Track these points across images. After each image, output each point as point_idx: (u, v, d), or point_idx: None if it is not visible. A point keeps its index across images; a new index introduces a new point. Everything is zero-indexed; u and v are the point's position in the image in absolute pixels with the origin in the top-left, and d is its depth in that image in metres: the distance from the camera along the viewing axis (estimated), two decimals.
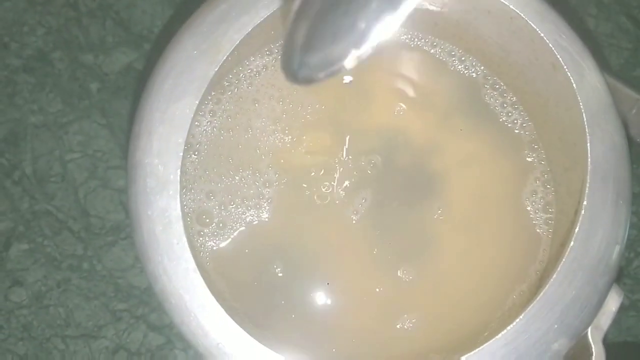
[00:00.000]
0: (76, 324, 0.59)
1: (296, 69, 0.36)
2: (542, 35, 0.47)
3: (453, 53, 0.55)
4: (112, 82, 0.63)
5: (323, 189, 0.52)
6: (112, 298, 0.59)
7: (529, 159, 0.53)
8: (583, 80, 0.46)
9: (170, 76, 0.45)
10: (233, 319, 0.42)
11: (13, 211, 0.60)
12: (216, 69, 0.45)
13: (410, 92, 0.55)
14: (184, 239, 0.42)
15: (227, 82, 0.53)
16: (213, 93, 0.52)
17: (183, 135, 0.44)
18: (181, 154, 0.43)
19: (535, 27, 0.47)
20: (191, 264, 0.42)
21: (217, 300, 0.42)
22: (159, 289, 0.43)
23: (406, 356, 0.49)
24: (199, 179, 0.51)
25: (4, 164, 0.61)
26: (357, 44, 0.34)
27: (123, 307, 0.59)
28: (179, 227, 0.42)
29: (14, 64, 0.63)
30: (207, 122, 0.52)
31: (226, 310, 0.42)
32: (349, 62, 0.35)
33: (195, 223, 0.50)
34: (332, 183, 0.53)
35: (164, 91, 0.45)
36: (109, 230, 0.60)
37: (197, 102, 0.44)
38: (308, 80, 0.36)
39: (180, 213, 0.43)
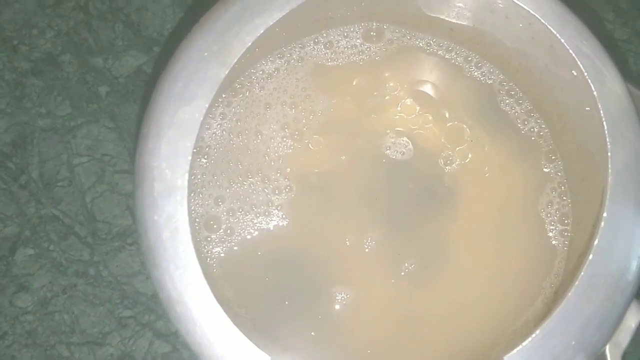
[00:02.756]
0: (81, 330, 0.58)
1: None
2: (562, 41, 0.46)
3: (470, 58, 0.54)
4: (121, 86, 0.62)
5: (334, 197, 0.51)
6: (118, 305, 0.58)
7: (546, 170, 0.52)
8: (604, 88, 0.45)
9: (180, 78, 0.44)
10: (239, 329, 0.41)
11: (19, 216, 0.59)
12: (227, 72, 0.44)
13: (425, 99, 0.54)
14: (191, 247, 0.41)
15: (238, 85, 0.52)
16: (224, 95, 0.51)
17: (192, 139, 0.43)
18: (189, 158, 0.42)
19: (555, 33, 0.46)
20: (198, 272, 0.41)
21: (224, 309, 0.41)
22: (164, 297, 0.42)
23: None
24: (207, 183, 0.50)
25: (10, 167, 0.60)
26: None
27: (129, 314, 0.58)
28: (185, 234, 0.42)
29: (23, 66, 0.63)
30: (218, 125, 0.51)
31: (232, 320, 0.41)
32: None
33: (203, 229, 0.49)
34: (344, 190, 0.52)
35: (174, 93, 0.44)
36: (116, 236, 0.59)
37: (207, 105, 0.43)
38: None
39: (187, 219, 0.42)
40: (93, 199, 0.60)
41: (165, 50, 0.63)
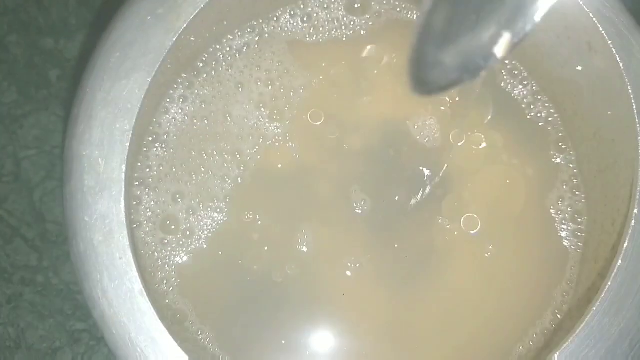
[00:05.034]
0: (28, 346, 0.55)
1: (429, 70, 0.30)
2: (580, 3, 0.42)
3: None
4: (74, 70, 0.59)
5: (315, 191, 0.49)
6: (70, 316, 0.55)
7: (556, 161, 0.49)
8: (632, 59, 0.41)
9: (117, 48, 0.40)
10: (194, 353, 0.37)
11: None
12: (174, 39, 0.40)
13: None
14: (129, 253, 0.37)
15: (201, 63, 0.49)
16: (184, 75, 0.48)
17: (131, 120, 0.39)
18: (128, 144, 0.38)
19: None
20: (137, 285, 0.37)
21: (170, 331, 0.37)
22: (97, 315, 0.38)
23: None
24: (165, 177, 0.47)
25: None
26: (510, 23, 0.28)
27: (82, 327, 0.55)
28: (122, 237, 0.37)
29: None
30: (178, 109, 0.48)
31: (180, 345, 0.37)
32: (500, 48, 0.28)
33: (159, 230, 0.46)
34: (323, 184, 0.49)
35: (110, 66, 0.40)
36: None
37: (149, 79, 0.39)
38: (441, 87, 0.30)
39: (124, 220, 0.38)
40: (42, 196, 0.57)
41: None
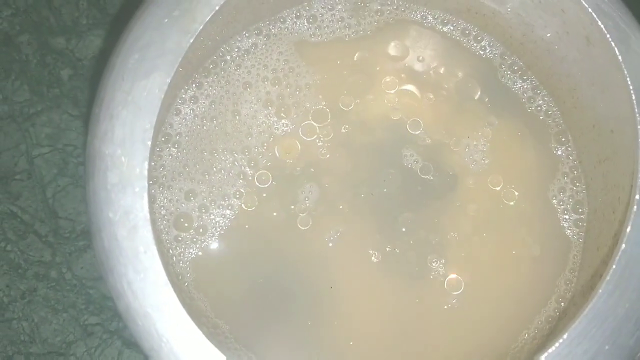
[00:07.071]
0: (42, 340, 0.55)
1: None
2: None
3: (467, 32, 0.51)
4: (85, 69, 0.59)
5: (323, 186, 0.48)
6: (83, 310, 0.56)
7: (557, 152, 0.50)
8: (630, 52, 0.41)
9: (135, 49, 0.40)
10: (214, 344, 0.37)
11: None
12: (191, 40, 0.40)
13: (420, 76, 0.51)
14: (153, 247, 0.37)
15: (211, 64, 0.49)
16: (195, 76, 0.48)
17: (152, 119, 0.38)
18: (149, 142, 0.38)
19: None
20: (162, 277, 0.37)
21: (195, 321, 0.37)
22: (122, 307, 0.38)
23: None
24: (178, 176, 0.47)
25: None
26: None
27: (95, 320, 0.55)
28: (146, 232, 0.37)
29: None
30: (189, 109, 0.48)
31: (206, 334, 0.37)
32: None
33: (173, 227, 0.46)
34: (332, 180, 0.49)
35: (129, 67, 0.39)
36: (80, 234, 0.57)
37: (168, 79, 0.39)
38: None
39: (148, 215, 0.37)
40: (54, 193, 0.57)
41: None
